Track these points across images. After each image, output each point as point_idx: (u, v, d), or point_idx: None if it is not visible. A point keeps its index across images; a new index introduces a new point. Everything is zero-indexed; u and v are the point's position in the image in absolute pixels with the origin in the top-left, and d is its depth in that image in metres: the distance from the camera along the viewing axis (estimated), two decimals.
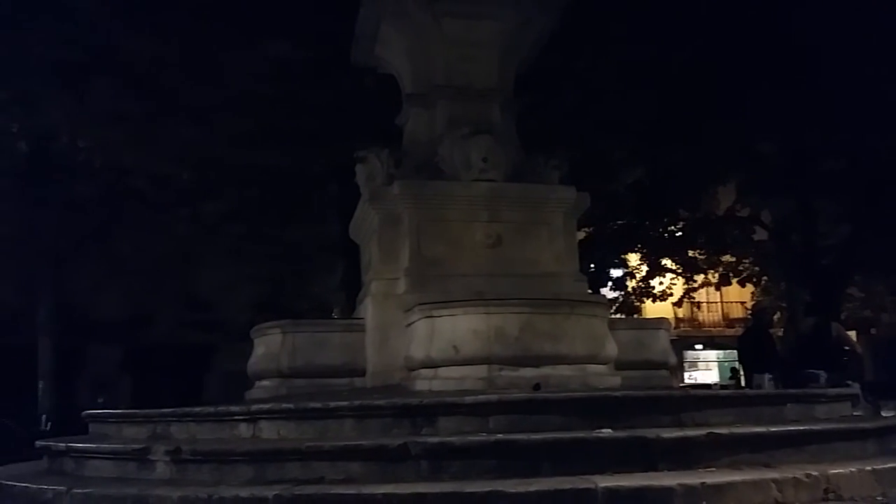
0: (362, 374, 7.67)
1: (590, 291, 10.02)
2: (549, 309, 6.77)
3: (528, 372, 6.42)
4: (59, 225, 19.27)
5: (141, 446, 5.18)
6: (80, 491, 4.67)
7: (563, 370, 6.57)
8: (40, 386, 20.43)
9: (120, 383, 28.67)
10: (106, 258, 21.18)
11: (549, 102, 14.08)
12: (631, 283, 22.30)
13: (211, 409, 5.89)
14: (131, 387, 28.65)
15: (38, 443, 6.46)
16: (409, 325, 7.13)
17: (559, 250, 8.14)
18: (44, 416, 19.50)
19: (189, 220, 18.70)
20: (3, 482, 5.36)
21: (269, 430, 5.32)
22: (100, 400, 23.20)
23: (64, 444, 5.93)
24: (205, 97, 14.75)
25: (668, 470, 4.33)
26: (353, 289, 11.23)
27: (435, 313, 6.75)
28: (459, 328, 6.59)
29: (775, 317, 20.28)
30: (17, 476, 5.66)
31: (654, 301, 22.69)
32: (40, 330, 20.71)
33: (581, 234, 12.73)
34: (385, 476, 4.32)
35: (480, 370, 6.46)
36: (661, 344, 8.25)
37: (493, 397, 5.35)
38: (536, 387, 6.22)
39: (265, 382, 7.94)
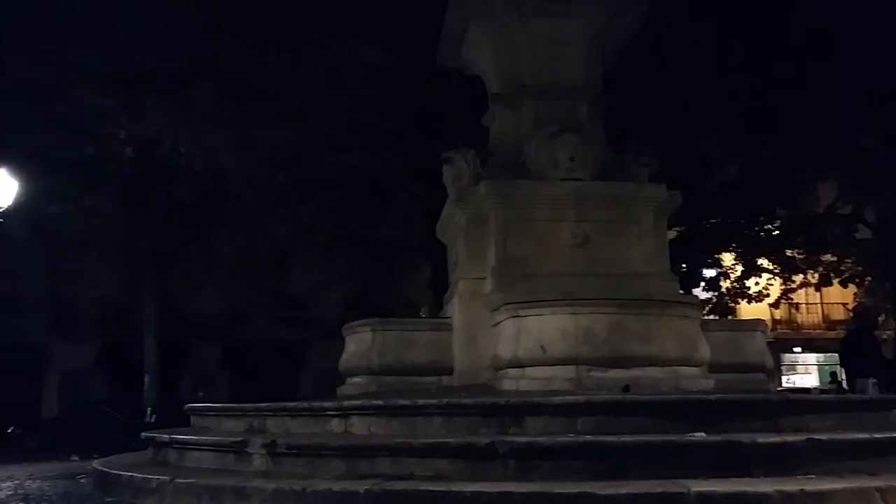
0: (450, 372, 7.74)
1: (681, 292, 9.78)
2: (639, 309, 6.66)
3: (617, 373, 6.33)
4: (163, 227, 20.20)
5: (239, 439, 5.38)
6: (182, 481, 4.89)
7: (654, 372, 6.45)
8: (146, 380, 21.44)
9: (219, 378, 29.83)
10: (206, 258, 22.09)
11: (638, 99, 13.84)
12: (725, 284, 21.69)
13: (304, 405, 6.06)
14: (229, 381, 29.76)
15: (144, 434, 6.79)
16: (496, 324, 7.15)
17: (649, 250, 7.99)
18: (149, 409, 20.45)
19: (284, 221, 19.26)
20: (112, 471, 5.67)
21: (360, 426, 5.44)
22: (200, 394, 24.16)
23: (167, 436, 6.21)
24: (298, 102, 15.19)
25: (764, 476, 4.20)
26: (440, 288, 11.33)
27: (522, 313, 6.75)
28: (547, 328, 6.56)
29: (880, 318, 19.29)
30: (124, 465, 5.98)
31: (749, 302, 22.02)
32: (146, 327, 21.73)
33: (672, 234, 12.46)
34: (473, 474, 4.36)
35: (568, 371, 6.42)
36: (756, 346, 7.99)
37: (582, 398, 5.31)
38: (626, 389, 6.13)
39: (356, 379, 8.11)
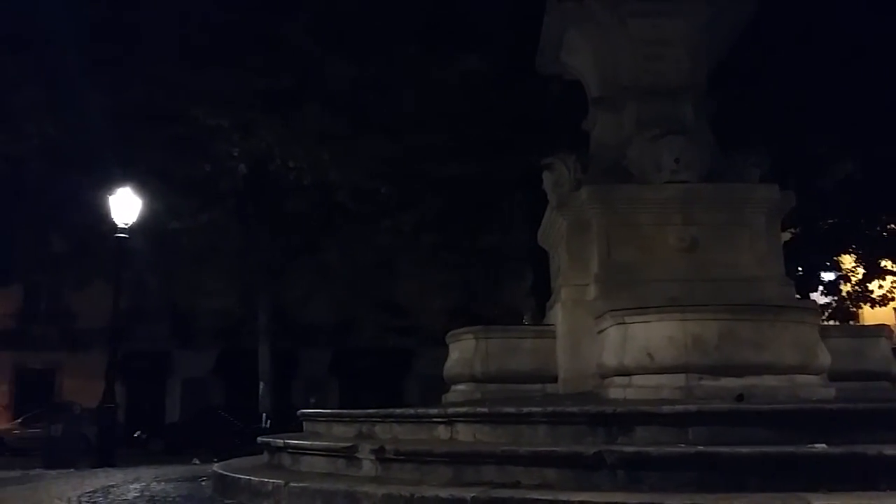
0: (554, 380, 7.68)
1: (798, 297, 9.36)
2: (752, 315, 6.41)
3: (729, 382, 6.11)
4: (275, 239, 21.00)
5: (349, 445, 5.51)
6: (296, 485, 5.06)
7: (769, 380, 6.19)
8: (260, 386, 22.28)
9: (329, 384, 30.66)
10: (315, 269, 22.80)
11: (746, 96, 13.35)
12: (845, 288, 20.57)
13: (411, 411, 6.15)
14: (338, 387, 30.55)
15: (260, 439, 7.05)
16: (601, 331, 7.05)
17: (761, 253, 7.68)
18: (264, 414, 21.23)
19: (388, 231, 19.64)
20: (230, 474, 5.93)
21: (465, 433, 5.47)
22: (312, 400, 24.93)
23: (282, 441, 6.44)
24: (401, 114, 15.49)
25: (891, 490, 3.97)
26: (542, 295, 11.27)
27: (627, 320, 6.62)
28: (654, 335, 6.41)
29: None
30: (241, 469, 6.24)
31: (872, 307, 20.79)
32: (260, 336, 22.59)
33: (786, 236, 11.92)
34: (580, 484, 4.31)
35: (678, 379, 6.24)
36: (880, 353, 7.54)
37: (693, 407, 5.16)
38: (739, 398, 5.91)
39: (460, 386, 8.16)
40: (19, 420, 26.56)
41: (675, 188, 7.73)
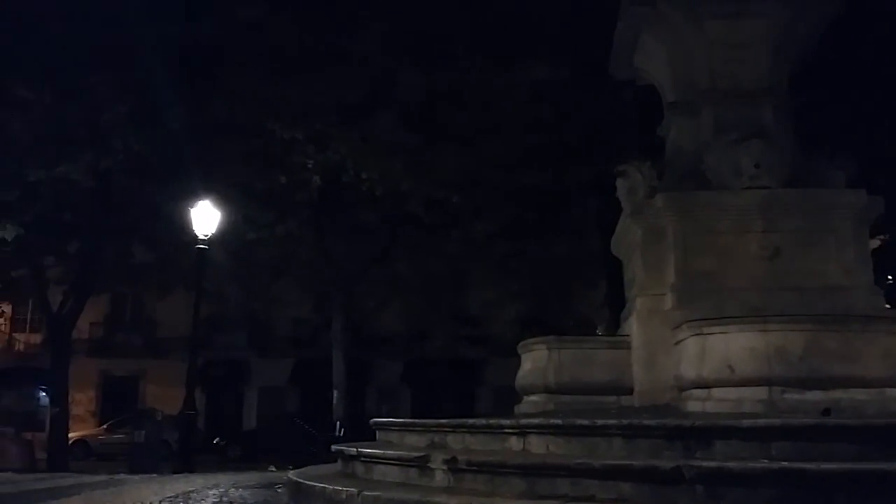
0: (629, 392, 7.52)
1: (888, 306, 8.91)
2: (839, 326, 6.13)
3: (815, 395, 5.85)
4: (349, 250, 21.31)
5: (421, 454, 5.50)
6: (369, 494, 5.08)
7: (857, 394, 5.90)
8: (334, 395, 22.57)
9: (401, 393, 30.89)
10: (387, 279, 23.03)
11: (831, 96, 12.86)
12: None
13: (483, 422, 6.11)
14: (410, 396, 30.74)
15: (334, 447, 7.12)
16: (678, 342, 6.86)
17: (848, 261, 7.35)
18: (338, 423, 21.50)
19: (459, 240, 19.68)
20: (305, 482, 6.00)
21: (538, 445, 5.39)
22: (385, 408, 25.12)
23: (355, 450, 6.48)
24: (472, 124, 15.53)
25: None
26: (616, 305, 11.08)
27: (706, 330, 6.42)
28: (734, 347, 6.20)
29: None
30: (316, 477, 6.31)
31: None
32: (334, 345, 22.90)
33: (875, 242, 11.41)
34: (656, 499, 4.19)
35: (760, 392, 6.02)
36: None
37: (776, 422, 4.95)
38: (826, 412, 5.65)
39: (533, 397, 8.08)
40: (105, 426, 27.66)
41: (756, 194, 7.48)
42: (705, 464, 4.32)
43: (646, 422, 5.24)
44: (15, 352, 32.05)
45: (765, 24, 8.11)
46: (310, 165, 17.07)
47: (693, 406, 6.37)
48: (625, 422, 5.25)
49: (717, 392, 6.25)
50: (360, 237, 21.30)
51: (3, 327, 31.54)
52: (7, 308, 25.79)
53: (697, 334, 6.46)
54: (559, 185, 16.52)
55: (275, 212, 18.67)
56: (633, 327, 7.67)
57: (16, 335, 32.32)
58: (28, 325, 31.70)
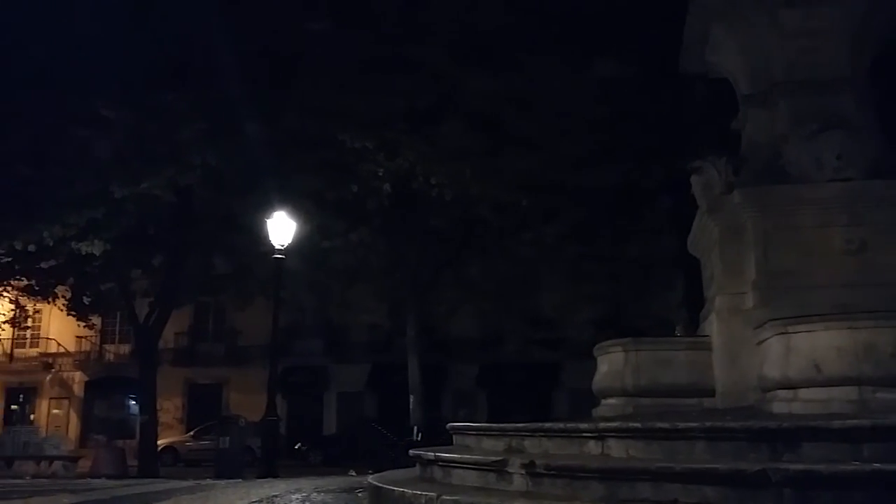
0: (711, 393, 7.34)
1: None
2: None
3: None
4: (420, 255, 21.47)
5: (498, 458, 5.50)
6: (448, 498, 5.10)
7: None
8: (411, 400, 22.74)
9: (477, 397, 30.90)
10: (459, 283, 23.10)
11: None
12: None
13: (561, 426, 6.06)
14: (486, 400, 30.71)
15: (412, 451, 7.18)
16: (761, 342, 6.66)
17: None
18: (415, 427, 21.65)
19: (529, 243, 19.58)
20: (384, 486, 6.07)
21: (617, 449, 5.33)
22: (461, 413, 25.16)
23: (433, 454, 6.52)
24: (539, 126, 15.45)
25: None
26: (694, 305, 10.82)
27: (790, 329, 6.22)
28: (820, 346, 5.99)
29: None
30: (395, 481, 6.37)
31: None
32: (409, 350, 23.09)
33: None
34: (741, 503, 4.08)
35: (849, 392, 5.80)
36: None
37: (867, 422, 4.76)
38: None
39: (611, 401, 7.98)
40: (191, 433, 28.56)
41: (839, 187, 7.22)
42: (793, 466, 4.18)
43: (729, 424, 5.12)
44: (105, 362, 33.47)
45: (842, 11, 7.83)
46: (380, 173, 17.28)
47: (778, 407, 6.18)
48: (707, 424, 5.13)
49: (803, 393, 6.05)
50: (432, 242, 21.43)
51: (93, 339, 32.99)
52: (97, 320, 26.89)
53: (781, 333, 6.27)
54: (632, 184, 16.27)
55: (347, 220, 18.96)
56: (713, 327, 7.50)
57: (106, 346, 33.74)
58: (117, 337, 33.05)
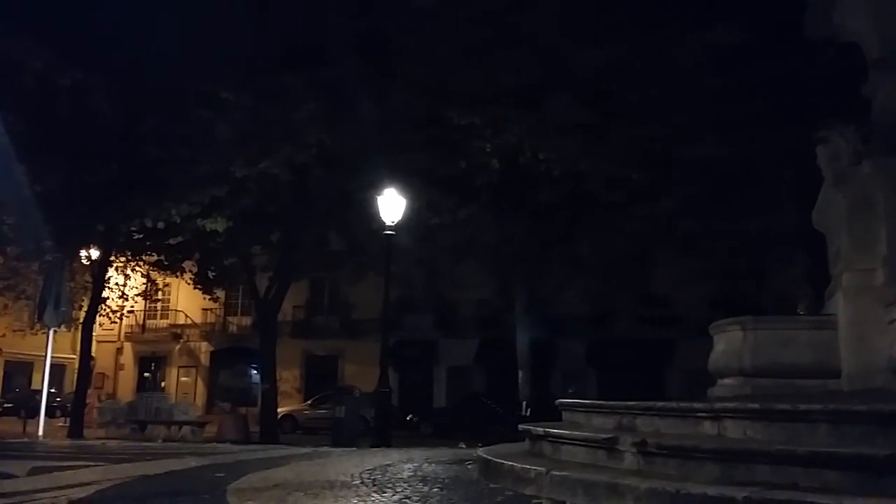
0: (836, 375, 7.00)
1: None
2: None
3: None
4: (529, 231, 21.39)
5: (609, 436, 5.46)
6: (558, 473, 5.12)
7: None
8: (519, 375, 22.82)
9: (586, 374, 30.62)
10: (568, 259, 22.89)
11: None
12: None
13: (674, 405, 5.94)
14: (596, 378, 30.39)
15: (521, 426, 7.22)
16: (892, 321, 6.29)
17: None
18: (524, 402, 21.73)
19: (641, 218, 19.14)
20: (494, 459, 6.14)
21: (734, 430, 5.18)
22: (570, 390, 25.05)
23: (542, 430, 6.53)
24: (651, 97, 15.01)
25: None
26: (818, 282, 10.30)
27: None
28: None
29: None
30: (504, 455, 6.44)
31: None
32: (517, 326, 23.13)
33: None
34: (866, 488, 3.89)
35: None
36: None
37: None
38: None
39: (727, 380, 7.74)
40: (309, 402, 29.75)
41: None
42: None
43: (856, 407, 4.88)
44: (229, 334, 35.25)
45: None
46: (488, 149, 17.28)
47: None
48: (831, 406, 4.91)
49: None
50: (540, 218, 21.30)
51: (218, 311, 34.79)
52: (221, 294, 28.32)
53: None
54: (749, 156, 15.58)
55: (456, 196, 19.09)
56: (840, 305, 7.13)
57: (229, 318, 35.51)
58: (239, 309, 34.69)
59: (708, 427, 5.37)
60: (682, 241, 20.38)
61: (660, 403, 6.07)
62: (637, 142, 15.74)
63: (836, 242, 7.94)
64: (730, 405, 5.48)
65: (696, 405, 5.71)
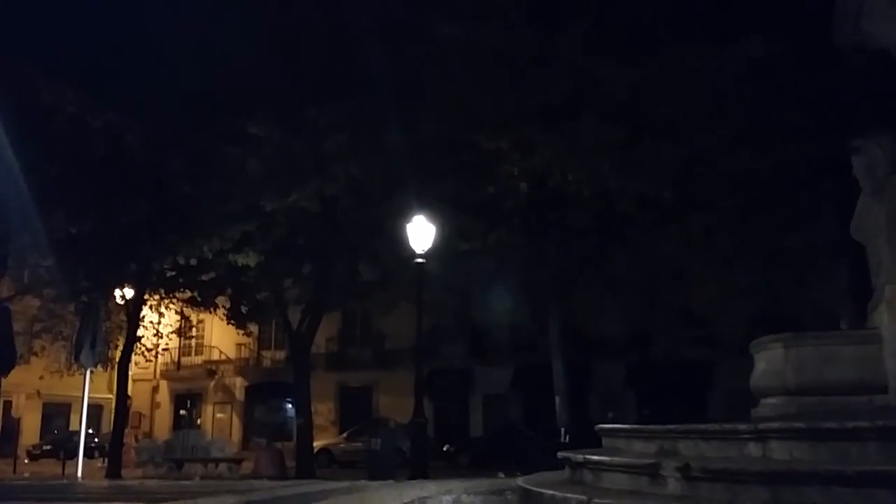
0: (882, 390, 6.73)
1: None
2: None
3: None
4: (560, 254, 21.21)
5: (651, 461, 5.30)
6: (599, 501, 4.96)
7: None
8: (557, 401, 22.48)
9: (625, 398, 30.13)
10: (603, 280, 22.63)
11: None
12: None
13: (717, 427, 5.76)
14: (635, 401, 29.88)
15: (560, 454, 7.06)
16: None
17: None
18: (563, 429, 21.38)
19: (676, 237, 18.87)
20: (534, 489, 6.00)
21: (780, 451, 4.99)
22: (610, 414, 24.65)
23: (582, 457, 6.37)
24: (681, 112, 14.87)
25: None
26: (861, 295, 10.00)
27: None
28: None
29: None
30: (544, 484, 6.28)
31: None
32: (552, 351, 22.85)
33: None
34: None
35: None
36: None
37: None
38: None
39: (771, 400, 7.51)
40: (344, 435, 29.62)
41: None
42: None
43: None
44: (263, 368, 35.41)
45: None
46: (516, 173, 17.20)
47: None
48: (879, 423, 4.71)
49: None
50: (572, 240, 21.12)
51: (251, 346, 34.97)
52: (254, 328, 28.45)
53: None
54: (785, 169, 15.30)
55: (485, 221, 19.01)
56: (884, 318, 6.88)
57: (263, 353, 35.68)
58: (273, 343, 34.85)
59: (753, 449, 5.19)
60: (720, 257, 20.03)
61: (702, 426, 5.90)
62: (670, 158, 15.55)
63: (876, 254, 7.69)
64: (774, 425, 5.30)
65: (740, 426, 5.53)
